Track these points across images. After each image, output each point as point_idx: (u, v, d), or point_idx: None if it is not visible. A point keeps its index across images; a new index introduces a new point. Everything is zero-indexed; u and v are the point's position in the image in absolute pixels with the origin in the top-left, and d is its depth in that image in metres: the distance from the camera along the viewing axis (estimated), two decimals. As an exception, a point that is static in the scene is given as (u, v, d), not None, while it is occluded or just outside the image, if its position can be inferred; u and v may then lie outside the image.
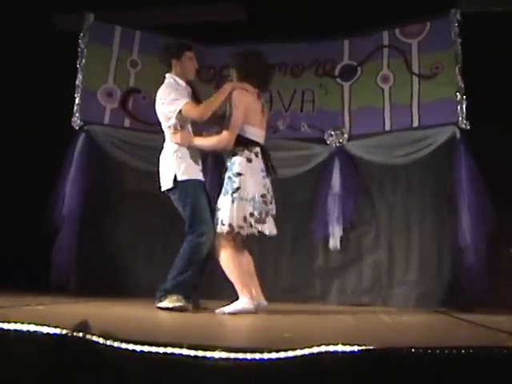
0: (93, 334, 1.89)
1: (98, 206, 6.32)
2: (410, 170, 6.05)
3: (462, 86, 5.81)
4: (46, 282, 5.69)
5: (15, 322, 1.99)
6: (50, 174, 6.03)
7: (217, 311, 4.20)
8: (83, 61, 6.36)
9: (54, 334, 1.93)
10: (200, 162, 4.64)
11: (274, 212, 4.48)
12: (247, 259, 4.54)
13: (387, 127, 6.17)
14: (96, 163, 6.32)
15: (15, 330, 1.97)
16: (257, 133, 4.44)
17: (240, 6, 6.43)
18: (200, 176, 4.59)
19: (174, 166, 4.49)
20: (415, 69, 6.15)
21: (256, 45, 5.27)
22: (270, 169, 4.46)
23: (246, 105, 4.37)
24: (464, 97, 5.78)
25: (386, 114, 6.19)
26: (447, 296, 5.63)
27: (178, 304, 4.24)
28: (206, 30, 6.42)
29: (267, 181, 4.42)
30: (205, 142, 4.58)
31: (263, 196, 4.32)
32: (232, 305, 4.22)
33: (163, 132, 4.64)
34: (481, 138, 5.60)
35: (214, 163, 5.55)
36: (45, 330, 1.95)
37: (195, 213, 4.44)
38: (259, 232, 4.32)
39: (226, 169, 4.42)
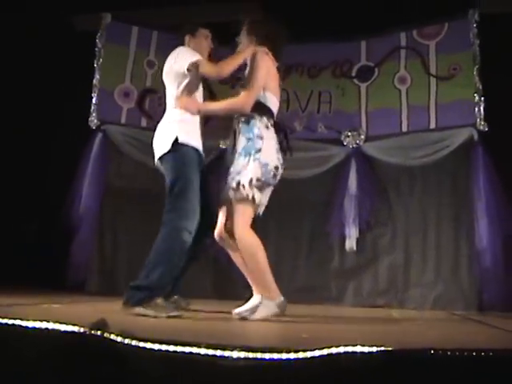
0: (111, 333, 1.90)
1: (114, 205, 6.38)
2: (426, 172, 6.03)
3: (480, 87, 5.79)
4: (61, 282, 5.74)
5: (34, 320, 2.00)
6: (67, 174, 6.07)
7: (235, 312, 3.67)
8: (100, 61, 6.42)
9: (73, 332, 1.93)
10: (201, 136, 3.98)
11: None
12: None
13: (404, 128, 6.16)
14: (113, 162, 6.37)
15: (34, 328, 1.97)
16: (275, 103, 3.94)
17: (256, 6, 6.42)
18: (201, 147, 3.95)
19: (176, 128, 3.87)
20: (433, 70, 6.14)
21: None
22: (283, 145, 3.89)
23: (268, 68, 3.87)
24: (482, 98, 5.77)
25: (403, 116, 6.18)
26: (464, 298, 5.63)
27: (171, 314, 3.49)
28: (222, 30, 6.41)
29: (280, 156, 3.83)
30: (217, 105, 4.05)
31: (276, 168, 3.74)
32: (258, 311, 3.61)
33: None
34: (498, 140, 5.59)
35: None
36: (63, 327, 1.95)
37: (184, 187, 3.72)
38: (253, 199, 3.65)
39: (236, 132, 3.85)
